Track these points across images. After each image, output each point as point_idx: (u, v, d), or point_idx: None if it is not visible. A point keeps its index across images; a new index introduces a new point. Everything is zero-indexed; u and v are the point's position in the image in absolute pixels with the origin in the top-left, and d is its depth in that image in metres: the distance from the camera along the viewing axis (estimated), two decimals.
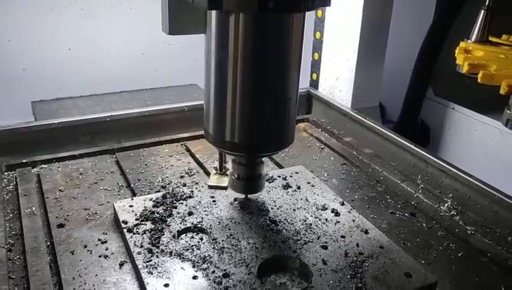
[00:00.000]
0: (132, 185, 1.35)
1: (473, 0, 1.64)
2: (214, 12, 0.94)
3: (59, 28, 2.22)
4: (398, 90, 2.19)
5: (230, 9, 0.90)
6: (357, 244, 1.06)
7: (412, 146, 1.48)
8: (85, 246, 1.07)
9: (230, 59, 0.94)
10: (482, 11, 1.51)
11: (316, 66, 2.00)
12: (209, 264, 0.99)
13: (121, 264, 1.02)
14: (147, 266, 0.98)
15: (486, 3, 1.50)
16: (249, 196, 1.20)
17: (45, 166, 1.43)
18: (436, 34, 1.93)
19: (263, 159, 1.12)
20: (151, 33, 2.37)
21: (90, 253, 1.05)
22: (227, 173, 1.32)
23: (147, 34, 2.39)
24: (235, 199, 1.20)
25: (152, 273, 0.96)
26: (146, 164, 1.46)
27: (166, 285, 0.93)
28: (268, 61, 0.96)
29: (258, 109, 0.99)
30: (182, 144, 1.60)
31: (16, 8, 2.12)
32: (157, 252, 1.02)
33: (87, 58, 2.29)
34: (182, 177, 1.39)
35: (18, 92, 2.19)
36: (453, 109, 2.10)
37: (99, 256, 1.04)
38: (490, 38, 1.57)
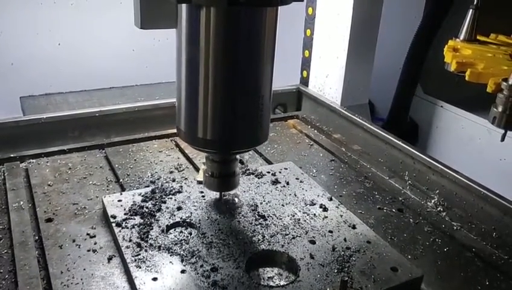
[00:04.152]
0: (121, 180, 1.34)
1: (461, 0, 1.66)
2: (184, 6, 0.92)
3: (48, 22, 2.20)
4: (388, 88, 2.21)
5: (200, 3, 0.89)
6: (345, 239, 1.08)
7: (400, 143, 1.50)
8: (73, 241, 1.07)
9: (201, 55, 0.93)
10: (470, 10, 1.53)
11: (306, 64, 2.01)
12: (197, 258, 0.99)
13: (110, 259, 1.02)
14: (135, 260, 0.98)
15: (475, 3, 1.52)
16: (237, 192, 1.21)
17: (34, 161, 1.42)
18: (425, 33, 1.95)
19: (237, 156, 1.10)
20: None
21: (79, 247, 1.05)
22: None
23: (138, 30, 2.38)
24: (224, 195, 1.20)
25: (140, 267, 0.96)
26: (135, 159, 1.46)
27: (155, 279, 0.94)
28: (239, 57, 0.94)
29: (230, 105, 0.98)
30: (171, 140, 1.60)
31: (4, 2, 2.10)
32: (145, 246, 1.02)
33: (76, 53, 2.27)
34: (171, 172, 1.40)
35: (6, 87, 2.17)
36: (442, 107, 2.12)
37: (88, 250, 1.04)
38: (478, 37, 1.59)
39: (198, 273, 0.95)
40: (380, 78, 2.09)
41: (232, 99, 0.97)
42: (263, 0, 0.90)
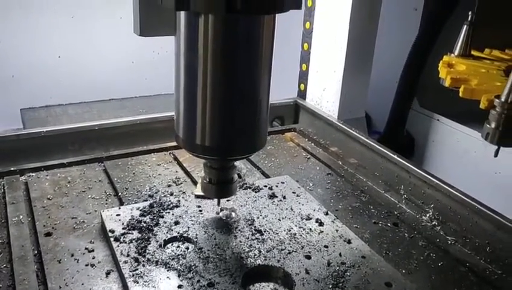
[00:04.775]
0: (120, 193, 1.36)
1: (457, 15, 1.68)
2: (182, 14, 0.93)
3: (49, 35, 2.24)
4: (385, 102, 2.23)
5: (198, 11, 0.89)
6: (340, 254, 1.09)
7: (395, 157, 1.51)
8: (72, 255, 1.09)
9: (199, 62, 0.93)
10: (465, 26, 1.56)
11: (303, 77, 2.03)
12: (194, 273, 1.01)
13: (108, 273, 1.03)
14: (133, 275, 0.99)
15: (469, 19, 1.55)
16: (235, 207, 1.23)
17: (33, 174, 1.44)
18: (421, 48, 1.98)
19: (235, 162, 1.10)
20: (142, 42, 2.38)
21: (77, 262, 1.07)
22: None
23: (137, 42, 2.40)
24: (222, 209, 1.22)
25: (138, 282, 0.98)
26: (134, 173, 1.48)
27: None
28: (237, 64, 0.95)
29: (228, 112, 0.98)
30: (170, 153, 1.62)
31: (4, 15, 2.13)
32: (143, 261, 1.04)
33: (77, 65, 2.31)
34: (169, 186, 1.41)
35: (7, 99, 2.20)
36: (438, 120, 2.14)
37: (86, 265, 1.06)
38: (473, 52, 1.62)
39: (194, 288, 0.97)
40: (377, 91, 2.12)
41: (229, 106, 0.98)
42: (261, 8, 0.90)
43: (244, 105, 0.99)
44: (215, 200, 1.24)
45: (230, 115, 0.98)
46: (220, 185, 1.10)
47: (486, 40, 1.68)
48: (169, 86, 2.67)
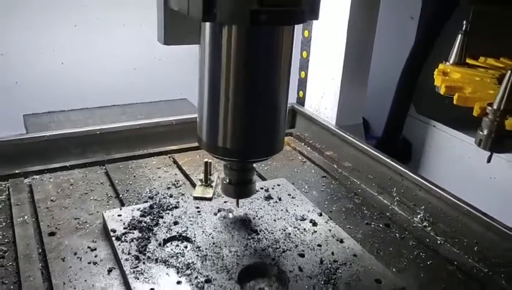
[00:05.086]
0: (121, 195, 1.41)
1: (454, 23, 1.73)
2: (207, 24, 0.97)
3: (52, 43, 2.29)
4: (383, 108, 2.28)
5: (223, 22, 0.93)
6: (332, 253, 1.13)
7: (389, 160, 1.56)
8: (75, 253, 1.13)
9: (223, 69, 0.98)
10: (459, 35, 1.60)
11: (302, 84, 2.08)
12: (192, 270, 1.05)
13: (109, 271, 1.08)
14: (133, 272, 1.04)
15: (464, 28, 1.59)
16: (232, 207, 1.27)
17: (37, 177, 1.48)
18: (417, 55, 2.02)
19: (253, 165, 1.16)
20: (143, 49, 2.45)
21: (80, 260, 1.11)
22: (212, 185, 1.39)
23: (139, 49, 2.47)
24: (219, 210, 1.27)
25: (138, 279, 1.02)
26: (134, 176, 1.52)
27: (152, 289, 0.99)
28: (259, 71, 0.99)
29: (249, 117, 1.03)
30: (169, 156, 1.67)
31: (9, 23, 2.19)
32: (143, 259, 1.08)
33: (79, 72, 2.36)
34: (168, 188, 1.46)
35: (10, 105, 2.25)
36: (434, 126, 2.18)
37: (89, 262, 1.10)
38: (468, 61, 1.66)
39: (193, 284, 1.01)
40: (375, 97, 2.17)
41: (250, 112, 1.02)
42: (282, 20, 0.94)
43: (264, 111, 1.03)
44: (213, 202, 1.30)
45: (250, 120, 1.03)
46: (240, 185, 1.15)
47: (482, 49, 1.73)
48: (169, 92, 2.72)
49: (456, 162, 2.04)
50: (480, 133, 1.27)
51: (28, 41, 2.24)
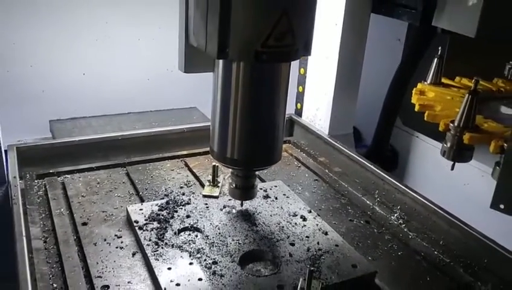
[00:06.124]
0: (141, 193, 1.61)
1: (436, 45, 1.91)
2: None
3: (75, 56, 2.48)
4: (373, 119, 2.45)
5: (233, 59, 1.14)
6: (318, 243, 1.35)
7: (372, 166, 1.78)
8: (105, 240, 1.34)
9: (232, 95, 1.18)
10: (435, 58, 1.79)
11: (300, 97, 2.28)
12: (202, 254, 1.27)
13: (133, 254, 1.29)
14: (154, 255, 1.26)
15: (439, 53, 1.80)
16: (235, 204, 1.50)
17: (68, 176, 1.69)
18: (402, 74, 2.15)
19: (256, 172, 1.37)
20: (157, 61, 2.65)
21: (109, 245, 1.32)
22: (219, 185, 1.61)
23: (153, 61, 2.67)
24: (224, 206, 1.49)
25: (158, 260, 1.24)
26: (152, 176, 1.73)
27: (169, 268, 1.21)
28: (261, 97, 1.20)
29: (253, 133, 1.24)
30: (181, 160, 1.86)
31: (38, 39, 2.40)
32: (162, 244, 1.30)
33: (99, 82, 2.54)
34: (181, 187, 1.67)
35: (38, 111, 2.41)
36: (417, 137, 2.38)
37: (116, 247, 1.31)
38: (444, 80, 1.83)
39: (202, 265, 1.23)
40: (366, 109, 2.36)
41: (253, 129, 1.23)
42: (281, 58, 1.15)
43: (265, 129, 1.25)
44: (219, 199, 1.53)
45: (254, 136, 1.24)
46: (244, 189, 1.36)
47: (458, 70, 1.93)
48: (181, 101, 2.91)
49: (436, 169, 2.23)
50: (445, 145, 1.48)
51: (53, 54, 2.42)
